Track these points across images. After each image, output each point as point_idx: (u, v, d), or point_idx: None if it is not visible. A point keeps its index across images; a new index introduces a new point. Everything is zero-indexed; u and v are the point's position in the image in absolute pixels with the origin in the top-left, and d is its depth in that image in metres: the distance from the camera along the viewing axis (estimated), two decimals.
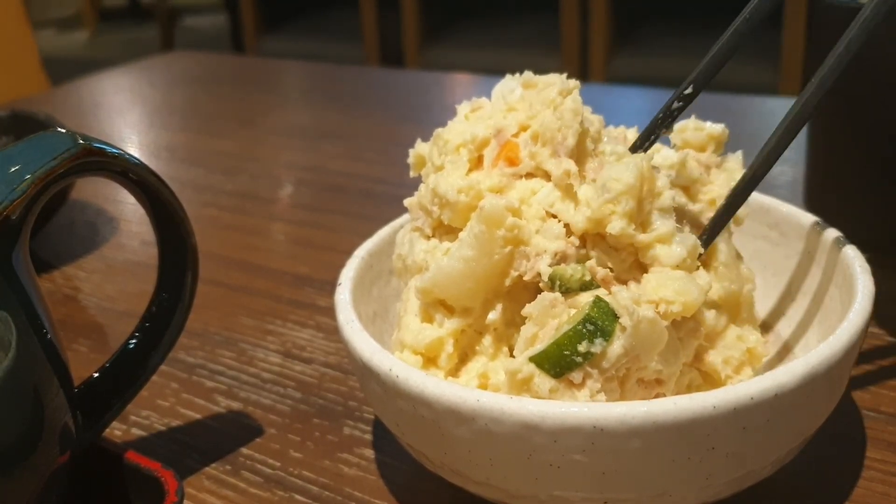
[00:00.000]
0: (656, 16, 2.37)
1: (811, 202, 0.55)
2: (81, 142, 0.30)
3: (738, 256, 0.36)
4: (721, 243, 0.35)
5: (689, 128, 0.37)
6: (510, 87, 0.37)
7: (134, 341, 0.36)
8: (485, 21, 2.58)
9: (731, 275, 0.35)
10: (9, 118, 0.66)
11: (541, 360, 0.30)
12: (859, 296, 0.32)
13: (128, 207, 0.69)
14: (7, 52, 1.32)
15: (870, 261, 0.34)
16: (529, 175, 0.34)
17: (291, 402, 0.42)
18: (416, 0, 2.45)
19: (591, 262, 0.31)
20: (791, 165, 0.66)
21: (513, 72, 0.37)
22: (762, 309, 0.40)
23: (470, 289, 0.33)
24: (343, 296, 0.35)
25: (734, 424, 0.27)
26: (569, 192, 0.33)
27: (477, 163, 0.35)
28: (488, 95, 0.37)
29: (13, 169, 0.29)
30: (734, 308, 0.35)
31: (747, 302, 0.36)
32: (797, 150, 0.70)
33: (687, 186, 0.36)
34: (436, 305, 0.34)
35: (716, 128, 0.37)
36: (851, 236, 0.37)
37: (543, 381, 0.30)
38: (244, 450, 0.39)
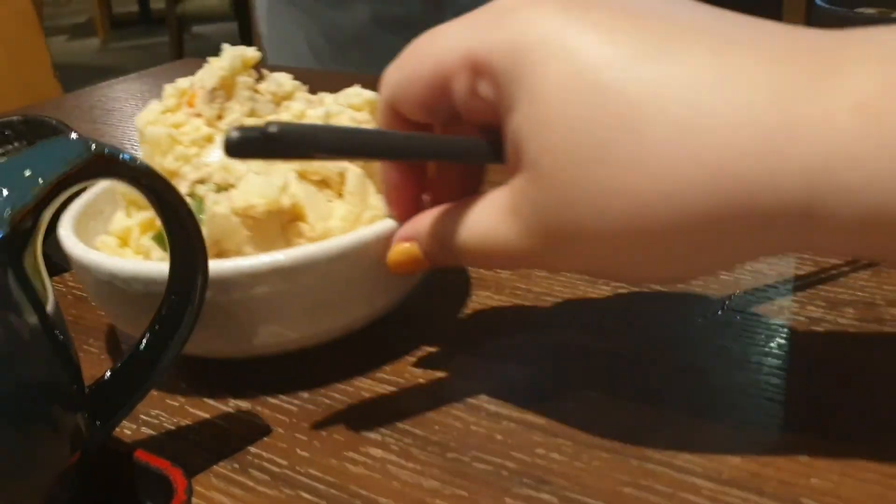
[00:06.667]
0: None
1: None
2: (93, 147, 0.30)
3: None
4: (353, 177, 0.44)
5: None
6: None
7: (144, 342, 0.36)
8: None
9: (355, 200, 0.44)
10: (21, 123, 0.67)
11: (159, 240, 0.42)
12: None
13: None
14: (20, 58, 1.34)
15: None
16: (199, 115, 0.46)
17: (299, 402, 0.42)
18: None
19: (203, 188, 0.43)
20: None
21: None
22: None
23: None
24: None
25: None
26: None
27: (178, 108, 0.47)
28: None
29: (26, 174, 0.29)
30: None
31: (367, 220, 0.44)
32: None
33: None
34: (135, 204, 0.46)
35: None
36: None
37: (161, 256, 0.41)
38: (252, 448, 0.39)
